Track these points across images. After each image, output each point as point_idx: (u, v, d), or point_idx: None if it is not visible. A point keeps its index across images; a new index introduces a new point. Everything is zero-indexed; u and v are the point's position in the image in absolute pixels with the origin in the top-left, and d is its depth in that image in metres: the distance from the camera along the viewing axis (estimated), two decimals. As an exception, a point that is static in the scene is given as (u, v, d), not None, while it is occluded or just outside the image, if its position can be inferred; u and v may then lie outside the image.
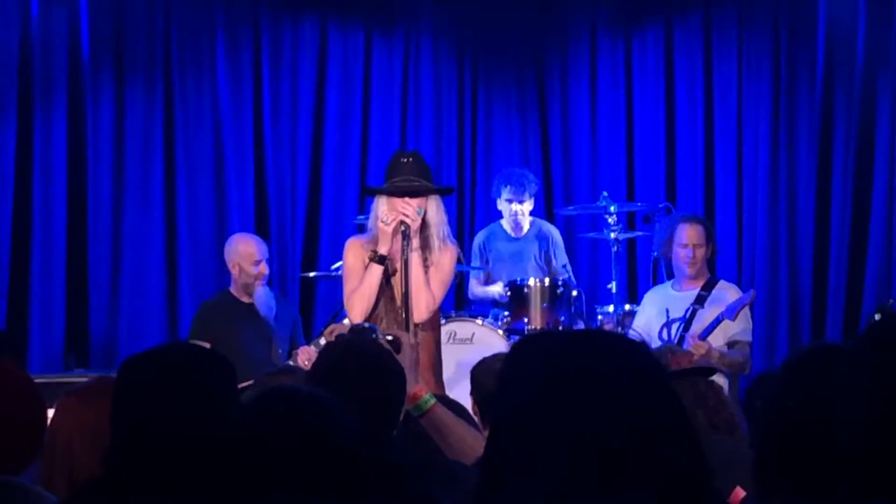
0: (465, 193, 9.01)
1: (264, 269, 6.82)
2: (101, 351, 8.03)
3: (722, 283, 6.77)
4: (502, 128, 9.17)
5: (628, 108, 8.95)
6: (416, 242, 5.17)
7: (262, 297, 6.82)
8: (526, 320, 7.06)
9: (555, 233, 7.77)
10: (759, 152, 8.50)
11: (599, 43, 9.05)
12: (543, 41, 9.20)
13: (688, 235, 6.68)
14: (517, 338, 6.93)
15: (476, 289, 7.74)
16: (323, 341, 6.06)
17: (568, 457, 1.58)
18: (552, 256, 7.65)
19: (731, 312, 6.39)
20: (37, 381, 2.86)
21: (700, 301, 6.60)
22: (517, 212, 7.59)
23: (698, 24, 8.76)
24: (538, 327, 7.03)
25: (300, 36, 8.74)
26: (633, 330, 6.70)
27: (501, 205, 7.67)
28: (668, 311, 6.63)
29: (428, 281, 5.21)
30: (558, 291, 7.09)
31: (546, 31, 9.18)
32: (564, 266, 7.66)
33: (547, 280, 7.19)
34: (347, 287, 5.31)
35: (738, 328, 6.46)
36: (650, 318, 6.74)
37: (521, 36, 9.16)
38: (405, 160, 5.25)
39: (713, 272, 7.06)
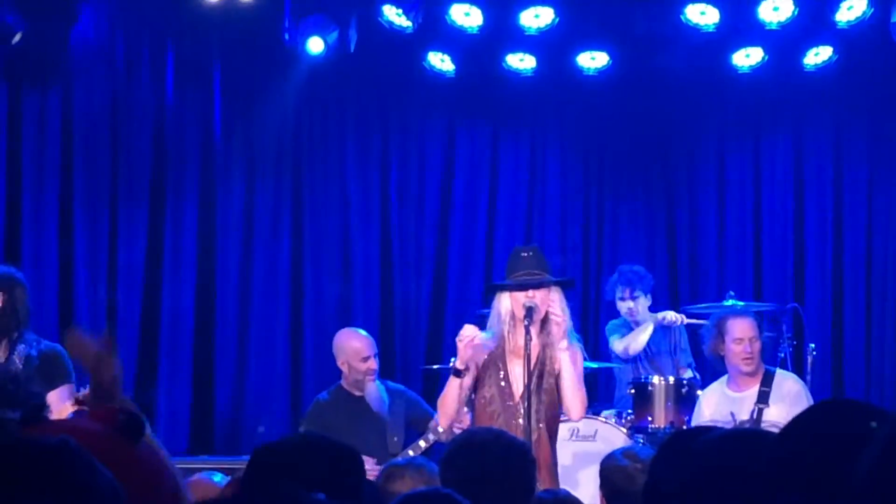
0: (589, 292, 8.90)
1: (373, 364, 6.74)
2: (224, 438, 8.12)
3: (779, 374, 6.39)
4: (628, 225, 9.11)
5: (756, 208, 8.85)
6: (540, 339, 5.18)
7: (373, 392, 6.75)
8: (650, 419, 6.94)
9: (682, 328, 7.56)
10: (888, 254, 8.37)
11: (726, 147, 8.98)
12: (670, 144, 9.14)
13: (741, 329, 6.31)
14: (640, 436, 6.83)
15: (619, 343, 7.42)
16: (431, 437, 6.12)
17: None
18: (678, 347, 7.52)
19: None
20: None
21: (763, 399, 6.23)
22: (631, 309, 7.47)
23: (829, 129, 8.70)
24: (662, 426, 6.89)
25: (427, 134, 8.85)
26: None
27: (617, 304, 7.56)
28: (733, 415, 6.27)
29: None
30: (683, 391, 6.96)
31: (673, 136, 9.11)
32: (690, 365, 7.52)
33: (671, 378, 7.08)
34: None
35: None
36: (706, 422, 6.26)
37: (647, 139, 9.10)
38: (525, 254, 5.27)
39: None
